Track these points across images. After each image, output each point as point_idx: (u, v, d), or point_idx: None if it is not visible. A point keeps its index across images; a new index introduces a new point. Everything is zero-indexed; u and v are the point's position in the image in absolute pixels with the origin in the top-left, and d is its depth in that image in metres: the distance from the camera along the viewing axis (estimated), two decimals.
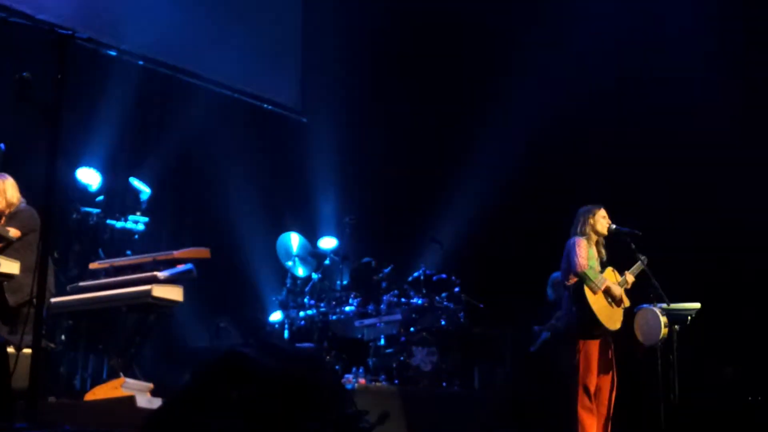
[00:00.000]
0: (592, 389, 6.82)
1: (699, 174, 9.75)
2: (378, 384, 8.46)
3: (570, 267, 6.96)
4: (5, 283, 6.58)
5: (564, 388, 7.08)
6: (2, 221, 6.89)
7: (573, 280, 6.95)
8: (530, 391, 9.03)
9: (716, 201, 9.57)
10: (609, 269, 7.02)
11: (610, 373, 6.90)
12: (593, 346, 6.88)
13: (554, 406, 7.41)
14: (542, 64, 10.81)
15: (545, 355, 8.62)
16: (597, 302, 6.83)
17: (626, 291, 7.01)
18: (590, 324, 6.82)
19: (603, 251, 7.12)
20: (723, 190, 9.56)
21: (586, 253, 6.95)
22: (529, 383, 9.20)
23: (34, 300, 6.43)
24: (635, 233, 7.04)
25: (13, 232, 6.72)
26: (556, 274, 8.75)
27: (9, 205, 6.93)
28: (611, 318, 6.87)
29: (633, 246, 6.99)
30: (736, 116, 9.77)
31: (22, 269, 6.58)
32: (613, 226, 7.07)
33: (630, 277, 7.01)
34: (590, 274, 6.86)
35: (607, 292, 6.88)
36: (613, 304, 6.90)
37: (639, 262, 7.05)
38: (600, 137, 10.51)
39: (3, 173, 7.02)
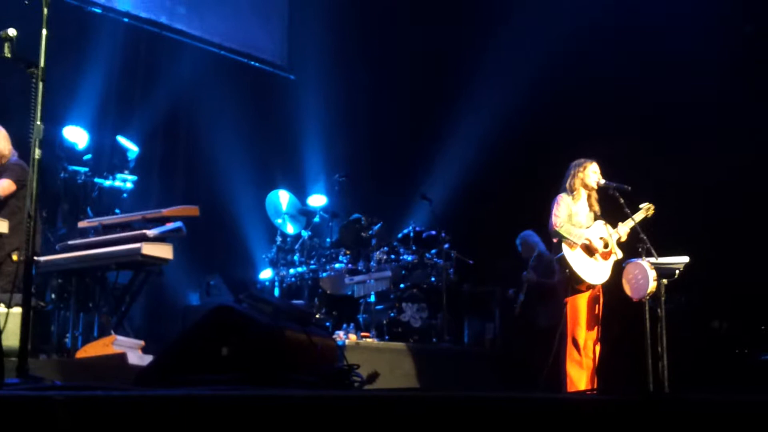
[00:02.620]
0: (581, 343, 6.88)
1: (689, 128, 9.75)
2: (368, 340, 8.51)
3: (549, 225, 7.05)
4: None
5: (548, 342, 7.13)
6: None
7: (556, 238, 7.03)
8: (519, 347, 9.09)
9: (707, 156, 9.59)
10: (601, 222, 7.04)
11: (595, 326, 6.95)
12: (581, 301, 6.94)
13: (543, 361, 7.46)
14: (538, 17, 10.72)
15: (527, 314, 8.67)
16: (576, 258, 6.89)
17: (619, 243, 7.04)
18: (572, 280, 6.90)
19: (596, 205, 7.14)
20: (713, 144, 9.58)
21: (565, 212, 7.02)
22: (518, 339, 9.25)
23: (12, 257, 6.45)
24: (624, 188, 7.04)
25: (8, 185, 6.64)
26: (526, 233, 8.83)
27: (0, 156, 6.85)
28: (593, 272, 6.92)
29: (622, 201, 7.00)
30: (733, 68, 9.78)
31: (9, 226, 6.54)
32: (602, 181, 7.07)
33: (624, 228, 7.01)
34: (563, 231, 6.96)
35: (588, 247, 6.92)
36: (597, 257, 6.94)
37: (642, 209, 7.06)
38: (590, 96, 10.46)
39: None
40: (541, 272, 8.57)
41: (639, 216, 7.05)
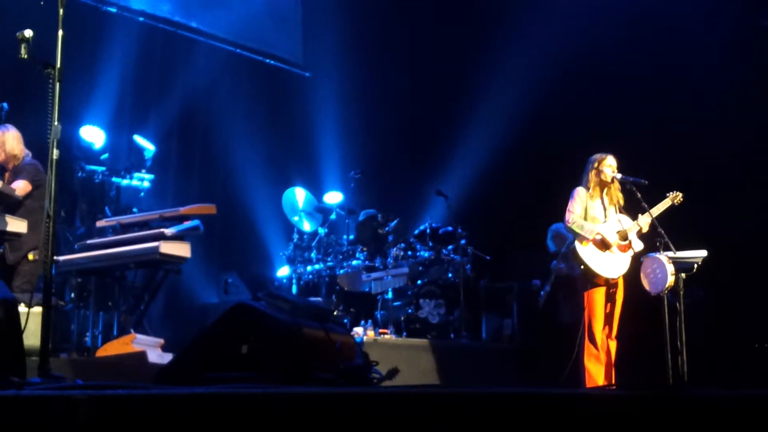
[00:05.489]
0: (598, 338, 6.86)
1: (706, 123, 9.71)
2: (386, 336, 8.51)
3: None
4: (6, 241, 6.54)
5: (569, 338, 7.11)
6: (7, 176, 6.80)
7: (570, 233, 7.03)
8: (537, 342, 9.07)
9: (725, 150, 9.56)
10: (620, 215, 7.01)
11: (613, 320, 6.93)
12: (598, 295, 6.91)
13: (561, 356, 7.44)
14: (554, 14, 10.69)
15: (550, 308, 8.64)
16: (588, 253, 6.88)
17: (641, 236, 7.01)
18: (587, 274, 6.88)
19: (620, 195, 7.10)
20: (731, 138, 9.54)
21: (580, 206, 7.01)
22: (536, 334, 9.23)
23: (29, 256, 6.47)
24: (641, 182, 7.01)
25: (24, 185, 6.63)
26: (556, 225, 8.79)
27: (12, 157, 6.79)
28: (609, 266, 6.90)
29: (639, 195, 6.97)
30: (750, 64, 9.74)
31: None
32: (618, 175, 7.04)
33: (644, 220, 6.96)
34: (575, 227, 6.94)
35: (601, 241, 6.90)
36: (614, 250, 6.91)
37: (668, 198, 7.03)
38: (608, 91, 10.42)
39: (6, 125, 6.89)
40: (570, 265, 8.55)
41: (664, 205, 7.02)
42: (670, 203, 7.06)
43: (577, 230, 6.93)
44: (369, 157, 11.59)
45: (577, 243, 6.93)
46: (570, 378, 6.93)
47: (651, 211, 6.94)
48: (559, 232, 8.86)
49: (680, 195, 7.08)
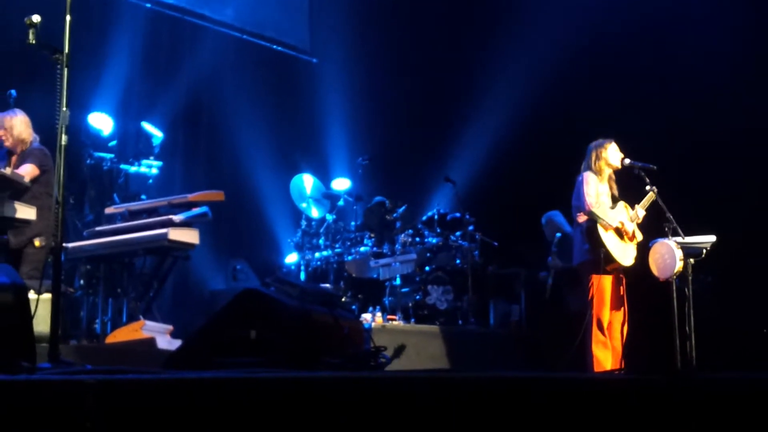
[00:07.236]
0: (606, 324, 6.86)
1: (715, 107, 9.68)
2: (394, 323, 8.52)
3: (580, 205, 6.97)
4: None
5: (577, 326, 7.11)
6: (14, 159, 6.78)
7: (584, 217, 6.94)
8: (545, 329, 9.07)
9: (732, 136, 9.53)
10: (622, 203, 7.01)
11: (622, 307, 6.93)
12: (606, 281, 6.90)
13: (569, 342, 7.44)
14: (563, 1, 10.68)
15: (557, 300, 8.65)
16: (610, 239, 6.84)
17: (638, 225, 7.01)
18: (604, 260, 6.83)
19: (615, 186, 7.10)
20: (741, 123, 9.51)
21: (594, 190, 6.95)
22: (543, 321, 9.23)
23: (35, 242, 6.46)
24: (649, 167, 6.99)
25: (31, 169, 6.60)
26: (550, 213, 8.77)
27: (20, 141, 6.74)
28: (624, 253, 6.89)
29: (647, 180, 6.95)
30: (755, 52, 9.70)
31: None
32: (627, 160, 7.03)
33: (641, 211, 6.99)
34: (599, 212, 6.86)
35: (619, 229, 6.88)
36: (625, 239, 6.91)
37: (649, 194, 7.01)
38: (614, 78, 10.38)
39: (14, 109, 6.84)
40: (565, 257, 8.53)
41: (648, 200, 6.99)
42: (649, 202, 7.02)
43: (601, 215, 6.83)
44: (377, 143, 11.57)
45: (600, 228, 6.83)
46: (572, 363, 6.94)
47: (637, 207, 6.95)
48: (551, 220, 8.86)
49: (654, 191, 7.03)
